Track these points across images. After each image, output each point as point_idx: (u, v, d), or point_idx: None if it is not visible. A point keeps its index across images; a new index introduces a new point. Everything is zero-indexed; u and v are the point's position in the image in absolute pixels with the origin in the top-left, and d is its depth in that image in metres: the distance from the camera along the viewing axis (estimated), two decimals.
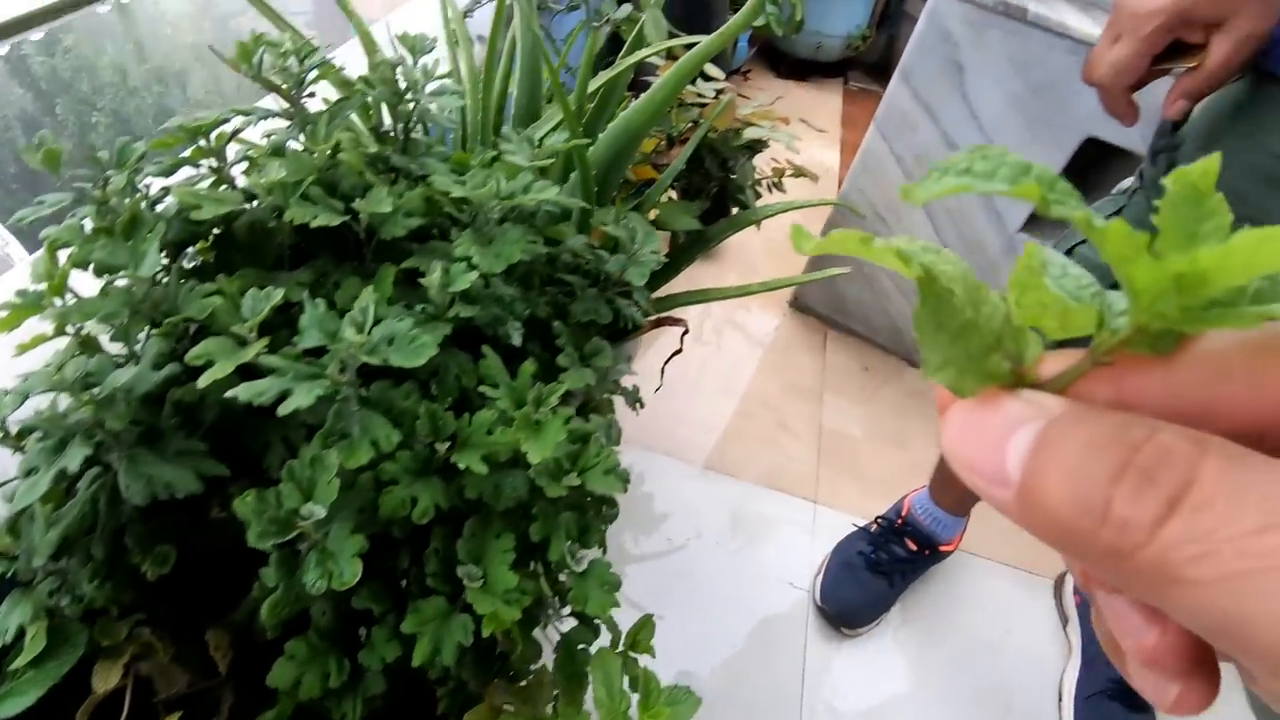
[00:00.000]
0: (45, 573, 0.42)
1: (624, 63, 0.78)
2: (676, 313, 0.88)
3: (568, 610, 0.54)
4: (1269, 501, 0.10)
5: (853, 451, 1.34)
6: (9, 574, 0.41)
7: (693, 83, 0.94)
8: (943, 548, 1.10)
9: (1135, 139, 1.06)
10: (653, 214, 0.84)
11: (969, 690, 1.05)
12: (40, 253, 0.47)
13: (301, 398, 0.41)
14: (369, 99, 0.54)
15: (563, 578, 0.54)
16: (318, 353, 0.44)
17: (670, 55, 0.99)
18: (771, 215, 0.89)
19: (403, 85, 0.56)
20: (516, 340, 0.56)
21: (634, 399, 0.76)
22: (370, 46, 0.73)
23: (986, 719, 1.02)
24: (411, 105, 0.54)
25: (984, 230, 1.26)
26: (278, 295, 0.45)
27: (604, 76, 0.78)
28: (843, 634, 1.06)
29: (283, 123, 0.54)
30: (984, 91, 1.14)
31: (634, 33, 0.87)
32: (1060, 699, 1.05)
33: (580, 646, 0.55)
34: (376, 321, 0.45)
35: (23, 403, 0.43)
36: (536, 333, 0.64)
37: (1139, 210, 0.64)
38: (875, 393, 1.46)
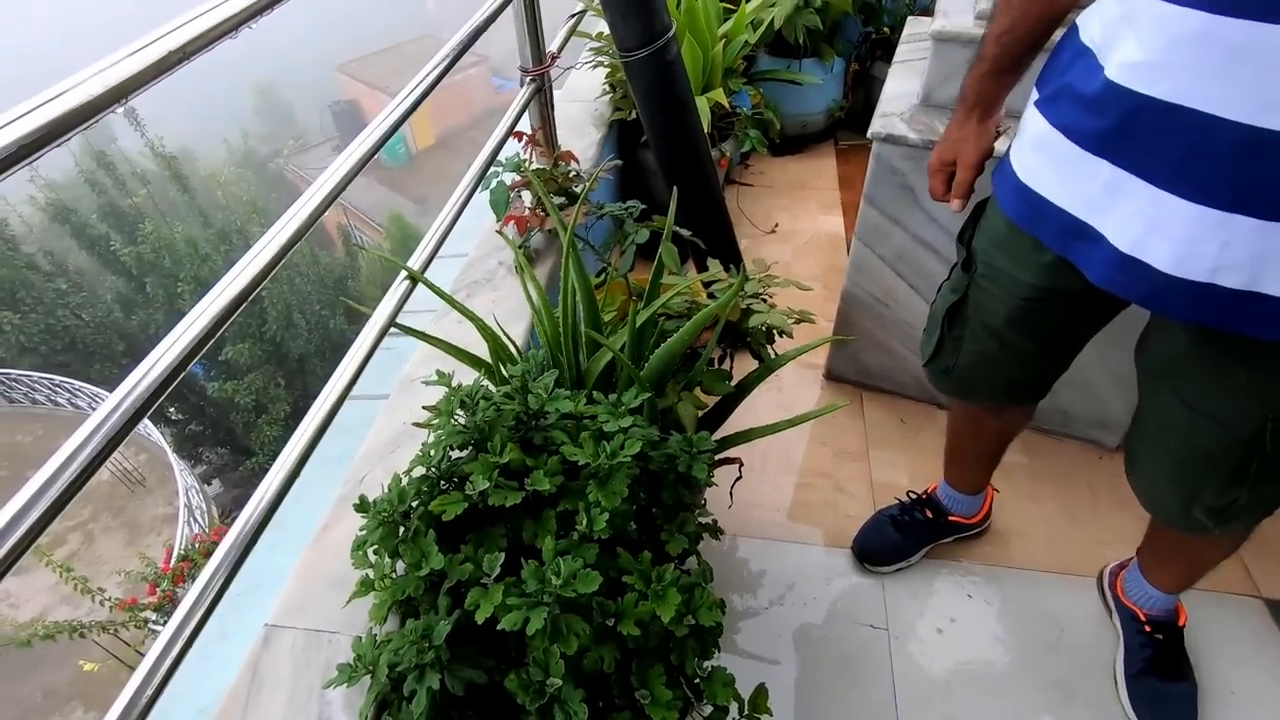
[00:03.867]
0: None
1: (655, 305, 1.10)
2: (731, 452, 1.19)
3: (706, 704, 0.85)
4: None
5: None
6: None
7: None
8: (953, 518, 1.42)
9: None
10: (698, 390, 1.15)
11: (1033, 686, 1.28)
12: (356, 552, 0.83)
13: (537, 621, 0.73)
14: (505, 411, 0.88)
15: (697, 681, 0.84)
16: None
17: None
18: (786, 362, 1.19)
19: (531, 405, 0.90)
20: (633, 534, 0.88)
21: (715, 532, 1.06)
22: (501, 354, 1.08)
23: (1053, 706, 1.25)
24: (535, 412, 0.88)
25: None
26: (500, 559, 0.78)
27: (645, 314, 1.11)
28: (865, 569, 1.43)
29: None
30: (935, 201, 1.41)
31: (658, 258, 1.20)
32: (1116, 681, 1.27)
33: None
34: (559, 555, 0.78)
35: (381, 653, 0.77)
36: (643, 515, 0.95)
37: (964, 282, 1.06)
38: (913, 440, 1.72)
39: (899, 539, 1.44)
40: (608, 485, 0.85)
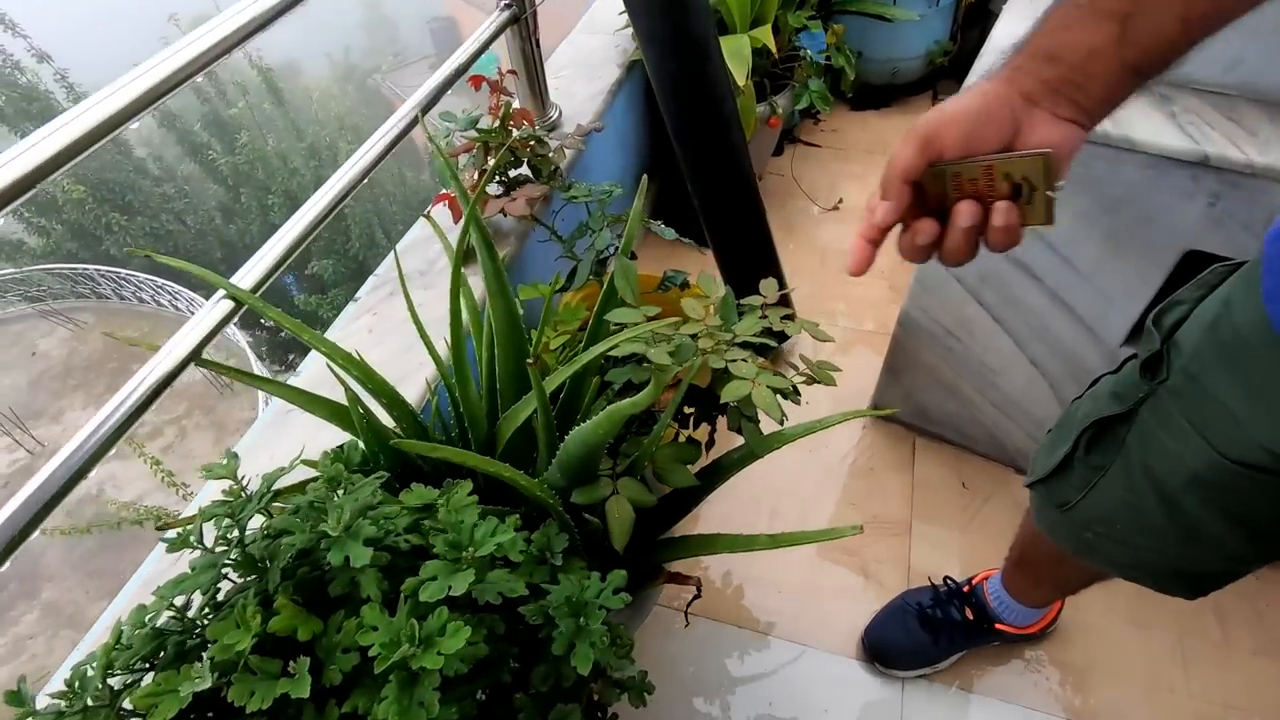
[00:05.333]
0: None
1: (581, 360, 0.75)
2: (695, 564, 0.84)
3: None
4: None
5: None
6: None
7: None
8: (1000, 626, 1.07)
9: (1243, 248, 0.85)
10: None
11: None
12: None
13: None
14: (284, 544, 0.57)
15: None
16: None
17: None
18: (781, 445, 0.82)
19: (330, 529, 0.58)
20: None
21: (641, 693, 0.74)
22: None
23: None
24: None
25: (1079, 345, 1.08)
26: None
27: (561, 376, 0.76)
28: (877, 669, 1.10)
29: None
30: None
31: (606, 284, 0.84)
32: None
33: None
34: None
35: None
36: (501, 695, 0.64)
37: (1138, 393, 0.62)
38: (976, 514, 1.31)
39: (924, 638, 1.08)
40: (412, 691, 0.53)
